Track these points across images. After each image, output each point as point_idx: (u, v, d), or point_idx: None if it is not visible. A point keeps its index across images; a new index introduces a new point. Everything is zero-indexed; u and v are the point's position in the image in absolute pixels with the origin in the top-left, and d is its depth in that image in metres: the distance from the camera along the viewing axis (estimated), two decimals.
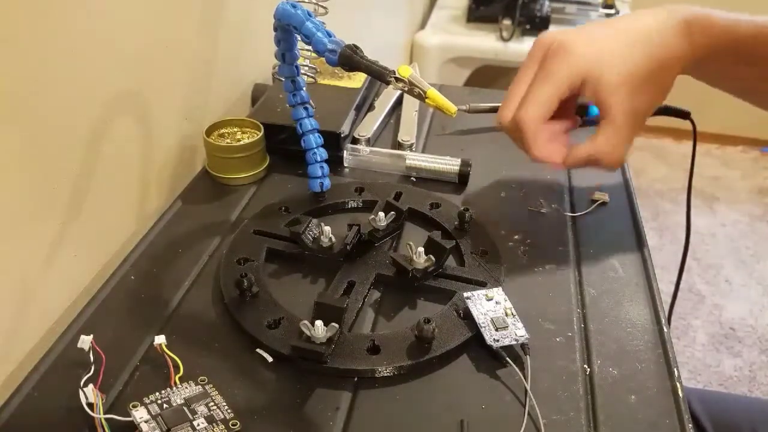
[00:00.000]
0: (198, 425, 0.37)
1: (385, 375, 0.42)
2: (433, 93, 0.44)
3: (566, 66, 0.49)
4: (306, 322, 0.42)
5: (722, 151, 2.39)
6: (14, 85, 0.42)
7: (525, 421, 0.39)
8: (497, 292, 0.47)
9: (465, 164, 0.63)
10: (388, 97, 0.76)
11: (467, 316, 0.45)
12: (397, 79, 0.44)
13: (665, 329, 0.47)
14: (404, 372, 0.42)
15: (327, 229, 0.51)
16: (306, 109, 0.56)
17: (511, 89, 0.53)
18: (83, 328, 0.45)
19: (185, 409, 0.38)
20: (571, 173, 0.65)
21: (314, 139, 0.57)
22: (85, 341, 0.41)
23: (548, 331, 0.46)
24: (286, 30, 0.50)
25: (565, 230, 0.57)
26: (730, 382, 1.50)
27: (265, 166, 0.63)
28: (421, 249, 0.49)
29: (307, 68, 0.62)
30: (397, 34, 1.66)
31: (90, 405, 0.38)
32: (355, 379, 0.42)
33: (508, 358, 0.43)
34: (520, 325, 0.44)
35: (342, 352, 0.43)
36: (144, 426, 0.36)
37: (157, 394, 0.38)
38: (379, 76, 0.45)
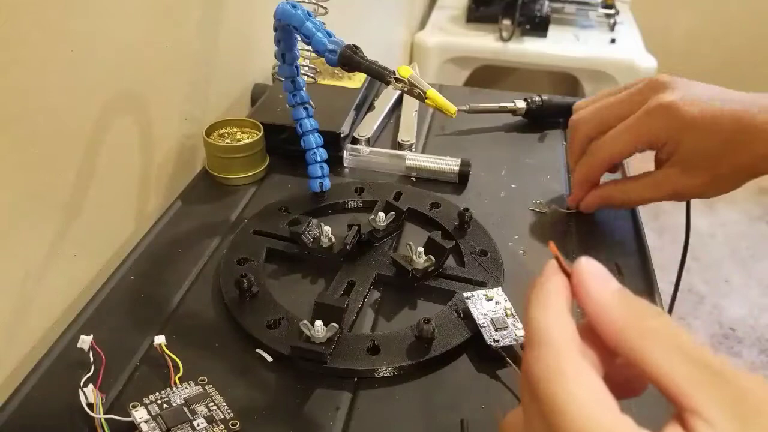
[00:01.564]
0: (198, 425, 0.37)
1: (385, 375, 0.42)
2: (432, 93, 0.44)
3: (663, 123, 0.50)
4: (306, 322, 0.42)
5: None
6: (15, 85, 0.42)
7: None
8: (497, 292, 0.47)
9: (465, 164, 0.63)
10: (387, 97, 0.76)
11: (467, 316, 0.45)
12: (397, 80, 0.44)
13: None
14: (404, 372, 0.42)
15: (327, 229, 0.51)
16: (306, 109, 0.56)
17: (602, 98, 0.55)
18: (83, 328, 0.45)
19: (185, 409, 0.38)
20: (571, 173, 0.65)
21: (314, 139, 0.57)
22: (85, 341, 0.41)
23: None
24: (286, 30, 0.50)
25: (565, 230, 0.57)
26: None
27: (265, 166, 0.63)
28: (421, 249, 0.49)
29: (307, 68, 0.62)
30: (397, 34, 1.66)
31: (90, 405, 0.38)
32: (355, 379, 0.42)
33: (508, 358, 0.43)
34: (520, 325, 0.44)
35: (342, 352, 0.43)
36: (144, 426, 0.36)
37: (157, 394, 0.38)
38: (379, 76, 0.45)
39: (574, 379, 0.23)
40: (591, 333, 0.26)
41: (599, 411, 0.22)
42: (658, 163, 0.54)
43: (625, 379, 0.26)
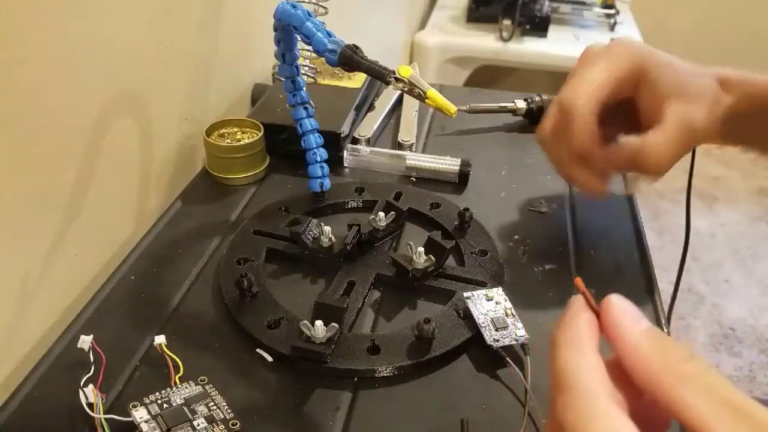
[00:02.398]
0: (198, 425, 0.37)
1: (385, 375, 0.42)
2: (433, 93, 0.44)
3: (628, 50, 0.48)
4: (306, 322, 0.42)
5: (722, 151, 2.38)
6: (15, 85, 0.42)
7: (525, 421, 0.39)
8: (497, 292, 0.47)
9: (465, 164, 0.63)
10: (388, 97, 0.76)
11: (467, 316, 0.45)
12: (397, 80, 0.44)
13: (665, 329, 0.47)
14: (404, 372, 0.42)
15: (327, 229, 0.51)
16: (306, 109, 0.56)
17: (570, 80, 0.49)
18: (83, 328, 0.45)
19: (185, 409, 0.38)
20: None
21: (314, 139, 0.57)
22: (85, 341, 0.41)
23: (548, 332, 0.46)
24: (286, 30, 0.50)
25: (565, 230, 0.57)
26: (730, 382, 1.51)
27: (265, 166, 0.63)
28: (421, 249, 0.49)
29: (307, 68, 0.62)
30: (397, 34, 1.66)
31: (90, 405, 0.38)
32: (355, 379, 0.42)
33: (508, 358, 0.43)
34: (520, 325, 0.44)
35: (342, 352, 0.43)
36: (144, 426, 0.36)
37: (157, 394, 0.38)
38: (379, 76, 0.45)
39: (607, 428, 0.23)
40: (618, 369, 0.25)
41: None
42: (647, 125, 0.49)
43: (650, 416, 0.26)
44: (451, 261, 0.51)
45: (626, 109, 0.50)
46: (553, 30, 1.72)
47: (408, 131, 0.70)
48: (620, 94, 0.48)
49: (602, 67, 0.47)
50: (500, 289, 0.47)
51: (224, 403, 0.38)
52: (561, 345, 0.26)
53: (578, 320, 0.27)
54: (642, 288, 0.51)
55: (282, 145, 0.64)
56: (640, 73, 0.48)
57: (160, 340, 0.42)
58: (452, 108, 0.44)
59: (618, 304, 0.27)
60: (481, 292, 0.47)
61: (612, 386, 0.25)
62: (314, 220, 0.52)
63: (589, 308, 0.27)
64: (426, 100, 0.44)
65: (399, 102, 0.76)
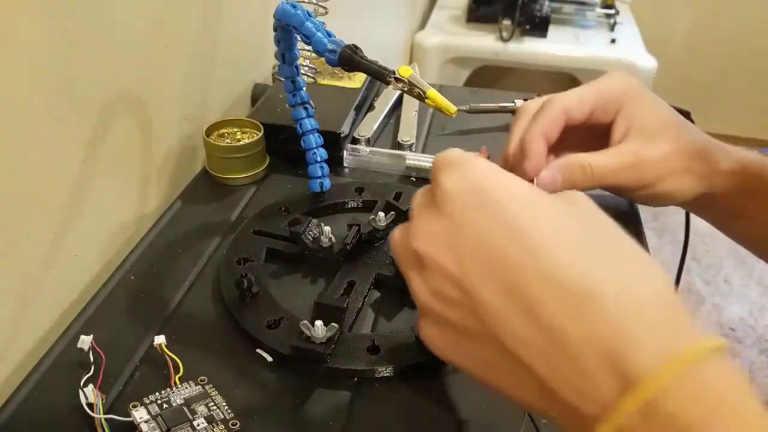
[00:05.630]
0: (198, 425, 0.37)
1: (385, 375, 0.42)
2: (433, 93, 0.44)
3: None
4: (306, 322, 0.42)
5: None
6: (14, 85, 0.42)
7: (525, 421, 0.39)
8: None
9: None
10: (388, 97, 0.76)
11: None
12: (397, 80, 0.44)
13: None
14: (404, 372, 0.42)
15: (327, 229, 0.51)
16: (306, 109, 0.56)
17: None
18: (83, 328, 0.45)
19: (185, 409, 0.38)
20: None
21: (314, 139, 0.57)
22: (85, 341, 0.41)
23: None
24: (286, 30, 0.50)
25: None
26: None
27: (265, 166, 0.63)
28: None
29: (307, 68, 0.62)
30: (397, 34, 1.67)
31: (90, 405, 0.38)
32: (355, 379, 0.42)
33: None
34: None
35: (342, 352, 0.43)
36: (144, 426, 0.36)
37: (157, 394, 0.38)
38: (379, 76, 0.45)
39: (506, 182, 0.32)
40: None
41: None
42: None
43: None
44: None
45: None
46: (553, 30, 1.72)
47: (408, 131, 0.70)
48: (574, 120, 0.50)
49: (588, 89, 0.50)
50: None
51: (224, 403, 0.39)
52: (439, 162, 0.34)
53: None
54: None
55: (282, 145, 0.64)
56: (619, 105, 0.49)
57: (160, 340, 0.42)
58: (452, 108, 0.44)
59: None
60: None
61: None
62: (314, 220, 0.52)
63: None
64: (426, 100, 0.44)
65: (399, 102, 0.76)
